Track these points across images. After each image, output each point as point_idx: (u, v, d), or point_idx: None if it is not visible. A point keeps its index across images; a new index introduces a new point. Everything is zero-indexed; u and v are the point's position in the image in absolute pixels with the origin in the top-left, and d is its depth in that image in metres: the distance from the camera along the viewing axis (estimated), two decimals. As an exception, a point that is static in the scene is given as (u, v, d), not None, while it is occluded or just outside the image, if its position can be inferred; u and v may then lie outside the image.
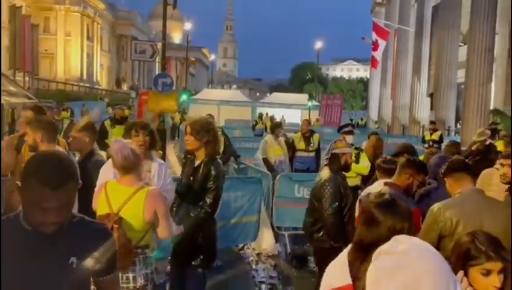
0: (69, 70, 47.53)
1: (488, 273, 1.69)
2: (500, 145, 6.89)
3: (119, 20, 59.88)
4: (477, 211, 2.56)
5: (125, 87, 60.22)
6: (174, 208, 3.46)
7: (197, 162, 3.39)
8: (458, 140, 13.34)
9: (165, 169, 3.44)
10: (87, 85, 47.49)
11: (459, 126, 19.37)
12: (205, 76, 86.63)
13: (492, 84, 17.94)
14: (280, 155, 7.60)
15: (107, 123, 8.38)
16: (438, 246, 2.59)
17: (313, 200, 3.75)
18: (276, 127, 8.06)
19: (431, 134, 12.15)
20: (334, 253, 1.74)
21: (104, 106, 30.92)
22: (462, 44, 19.79)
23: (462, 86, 18.49)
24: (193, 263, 3.40)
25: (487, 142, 6.66)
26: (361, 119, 32.83)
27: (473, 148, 6.15)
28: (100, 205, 2.68)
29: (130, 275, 2.62)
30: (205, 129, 3.31)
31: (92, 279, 1.68)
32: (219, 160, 3.46)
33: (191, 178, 3.37)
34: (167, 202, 2.95)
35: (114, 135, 7.51)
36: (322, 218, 3.63)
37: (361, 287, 1.40)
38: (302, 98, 32.99)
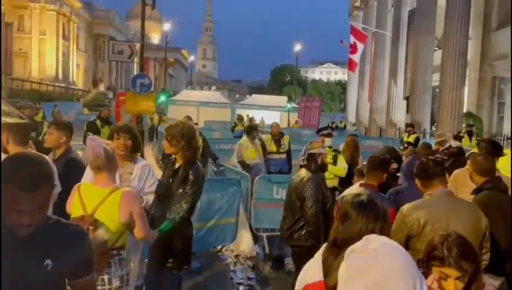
0: (43, 70, 46.49)
1: (445, 277, 1.74)
2: (474, 148, 7.11)
3: (96, 19, 58.92)
4: (444, 212, 2.64)
5: (102, 87, 59.27)
6: (152, 210, 3.45)
7: (177, 165, 3.39)
8: (433, 142, 13.64)
9: (149, 171, 3.43)
10: (63, 85, 46.54)
11: (434, 128, 19.82)
12: (184, 77, 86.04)
13: (466, 87, 18.45)
14: (255, 158, 7.62)
15: (98, 123, 8.40)
16: (406, 245, 2.67)
17: (295, 199, 3.80)
18: (251, 129, 8.03)
19: (408, 136, 12.43)
20: (314, 252, 1.78)
21: (80, 107, 30.41)
22: (437, 48, 20.31)
23: (437, 90, 18.94)
24: (168, 265, 3.39)
25: (447, 145, 6.96)
26: (340, 122, 33.23)
27: (437, 147, 6.38)
28: (74, 207, 2.65)
29: (105, 277, 2.59)
30: (180, 135, 3.31)
31: (67, 281, 1.67)
32: (199, 164, 3.45)
33: (170, 180, 3.37)
34: (142, 203, 2.94)
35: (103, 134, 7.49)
36: (305, 217, 3.68)
37: (332, 283, 1.45)
38: (281, 100, 33.22)
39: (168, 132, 3.38)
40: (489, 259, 2.70)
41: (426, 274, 1.76)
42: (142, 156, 10.53)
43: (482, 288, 1.81)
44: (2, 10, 32.23)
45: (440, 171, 2.79)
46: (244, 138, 7.92)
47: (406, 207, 2.75)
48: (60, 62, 49.02)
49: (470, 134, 12.05)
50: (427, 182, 2.79)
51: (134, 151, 3.41)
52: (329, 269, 1.53)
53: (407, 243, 2.68)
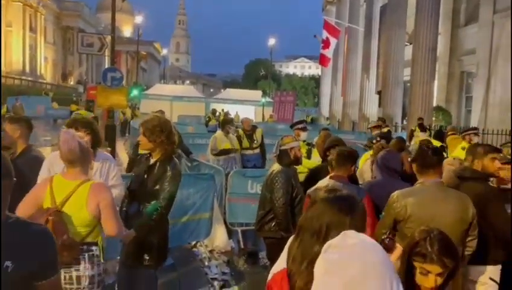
0: (9, 63, 44.87)
1: (426, 273, 1.76)
2: (435, 142, 7.36)
3: (65, 11, 57.22)
4: (431, 202, 2.73)
5: (71, 81, 57.72)
6: (124, 207, 3.35)
7: (152, 160, 3.29)
8: (404, 136, 13.95)
9: (109, 166, 3.29)
10: (30, 79, 45.05)
11: (405, 122, 20.23)
12: (157, 71, 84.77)
13: (435, 82, 18.90)
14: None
15: None
16: (394, 229, 2.82)
17: (265, 191, 3.82)
18: (225, 123, 7.96)
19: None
20: (284, 244, 1.77)
21: (49, 101, 29.53)
22: (408, 43, 20.69)
23: (408, 84, 19.33)
24: (144, 262, 3.30)
25: (378, 131, 7.54)
26: (307, 116, 33.30)
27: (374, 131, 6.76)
28: (45, 200, 2.55)
29: (74, 275, 2.48)
30: (158, 129, 3.20)
31: (30, 283, 1.58)
32: (176, 160, 3.36)
33: (145, 176, 3.27)
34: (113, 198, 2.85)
35: None
36: (273, 209, 3.68)
37: (290, 271, 1.45)
38: (255, 94, 33.19)
39: (146, 126, 3.23)
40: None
41: (390, 247, 1.80)
42: (114, 151, 10.31)
43: (460, 283, 1.84)
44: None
45: (437, 161, 2.86)
46: (219, 132, 7.87)
47: (396, 193, 2.84)
48: (27, 55, 47.42)
49: (421, 126, 12.70)
50: (423, 170, 2.86)
51: (95, 146, 3.23)
52: (290, 257, 1.53)
53: (395, 227, 2.80)
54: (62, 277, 2.43)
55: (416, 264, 1.78)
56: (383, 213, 2.90)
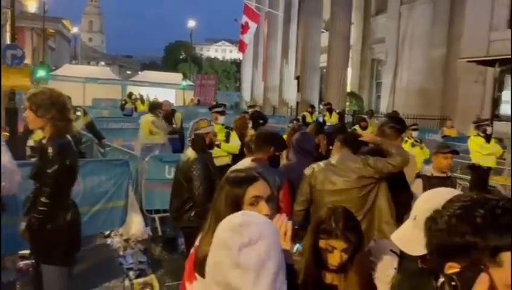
0: None
1: (332, 249, 1.82)
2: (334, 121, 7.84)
3: (-44, -21, 50.74)
4: (332, 170, 3.08)
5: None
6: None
7: (44, 142, 2.86)
8: (321, 119, 14.56)
9: None
10: None
11: (322, 106, 21.08)
12: (67, 50, 78.87)
13: (349, 69, 19.89)
14: (162, 137, 7.55)
15: None
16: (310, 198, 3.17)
17: (182, 180, 3.67)
18: (154, 107, 7.78)
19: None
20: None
21: None
22: (325, 30, 21.47)
23: (325, 70, 20.09)
24: (48, 258, 2.99)
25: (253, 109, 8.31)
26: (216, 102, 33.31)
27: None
28: None
29: None
30: (48, 103, 2.77)
31: None
32: (68, 138, 2.91)
33: (40, 161, 2.93)
34: None
35: None
36: (193, 197, 3.57)
37: (198, 253, 1.49)
38: (176, 77, 32.36)
39: (33, 100, 2.77)
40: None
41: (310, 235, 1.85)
42: (16, 136, 9.39)
43: (366, 258, 1.92)
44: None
45: (353, 146, 3.17)
46: (150, 116, 7.62)
47: (313, 165, 3.20)
48: None
49: (329, 111, 13.57)
50: (339, 147, 3.22)
51: None
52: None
53: (310, 193, 3.16)
54: None
55: (322, 242, 1.83)
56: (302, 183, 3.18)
